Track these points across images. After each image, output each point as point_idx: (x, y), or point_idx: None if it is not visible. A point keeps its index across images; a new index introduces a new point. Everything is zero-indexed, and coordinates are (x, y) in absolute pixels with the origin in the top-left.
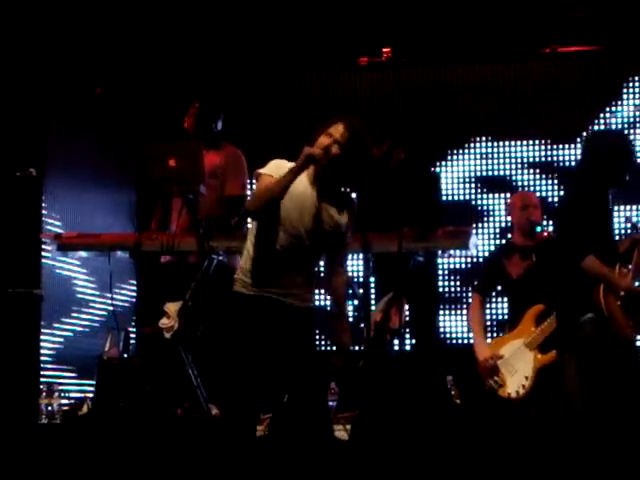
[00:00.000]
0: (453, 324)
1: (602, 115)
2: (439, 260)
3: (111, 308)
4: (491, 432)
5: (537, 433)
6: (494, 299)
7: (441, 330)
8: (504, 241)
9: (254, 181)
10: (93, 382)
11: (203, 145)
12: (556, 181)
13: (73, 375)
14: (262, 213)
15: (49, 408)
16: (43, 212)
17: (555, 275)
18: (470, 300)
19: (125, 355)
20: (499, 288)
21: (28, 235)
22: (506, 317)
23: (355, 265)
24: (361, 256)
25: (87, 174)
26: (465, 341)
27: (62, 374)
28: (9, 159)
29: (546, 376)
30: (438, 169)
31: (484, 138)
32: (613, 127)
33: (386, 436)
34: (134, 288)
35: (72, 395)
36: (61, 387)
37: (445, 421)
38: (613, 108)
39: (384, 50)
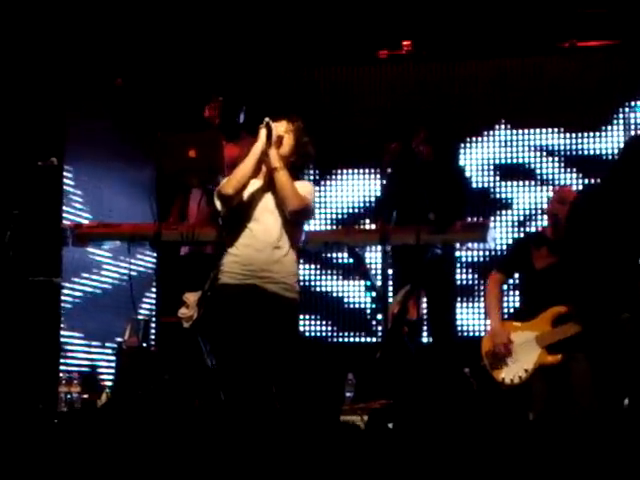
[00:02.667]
0: (470, 316)
1: (621, 110)
2: (457, 253)
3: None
4: (505, 425)
5: (546, 431)
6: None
7: (458, 322)
8: (536, 230)
9: None
10: (100, 350)
11: (224, 137)
12: (575, 173)
13: (80, 338)
14: (238, 194)
15: (68, 396)
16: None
17: (585, 275)
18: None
19: (144, 344)
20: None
21: (49, 224)
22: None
23: (373, 257)
24: (379, 248)
25: (108, 162)
26: (483, 333)
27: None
28: (30, 149)
29: (550, 376)
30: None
31: (502, 127)
32: (632, 122)
33: (403, 427)
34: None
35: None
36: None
37: (463, 412)
38: (632, 103)
39: (404, 43)
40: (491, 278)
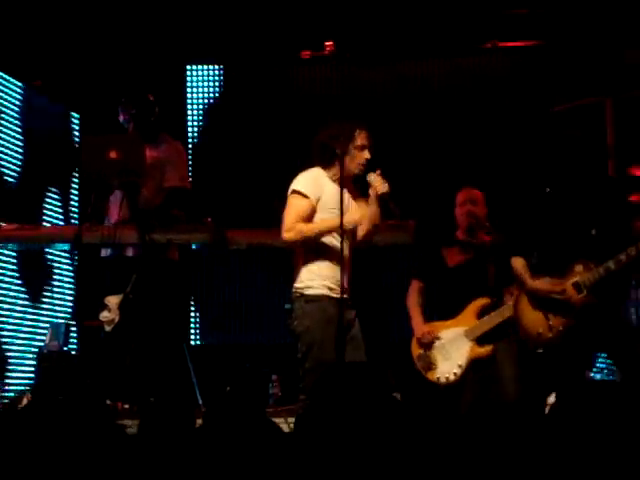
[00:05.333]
0: (394, 317)
1: (542, 110)
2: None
3: None
4: (429, 424)
5: (472, 423)
6: None
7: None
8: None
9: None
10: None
11: (143, 138)
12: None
13: None
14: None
15: None
16: None
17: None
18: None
19: (65, 348)
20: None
21: None
22: None
23: None
24: None
25: (29, 165)
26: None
27: None
28: None
29: (479, 367)
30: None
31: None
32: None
33: (329, 429)
34: None
35: None
36: None
37: (386, 414)
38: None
39: (327, 44)
40: (411, 287)
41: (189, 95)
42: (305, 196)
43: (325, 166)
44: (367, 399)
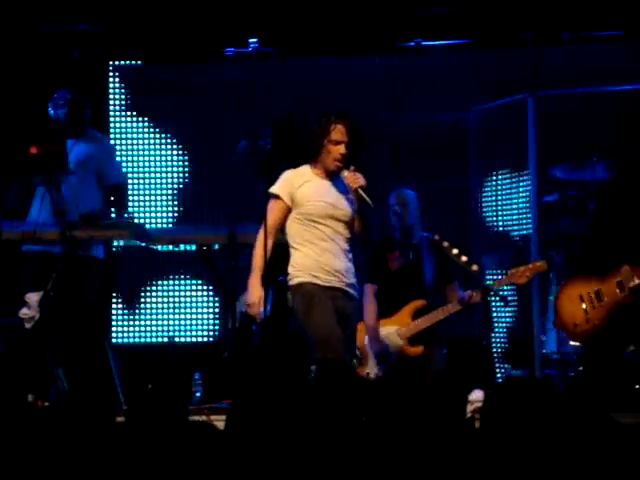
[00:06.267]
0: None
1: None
2: None
3: None
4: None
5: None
6: None
7: None
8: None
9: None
10: None
11: (72, 134)
12: None
13: None
14: None
15: None
16: None
17: None
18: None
19: None
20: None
21: None
22: None
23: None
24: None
25: None
26: None
27: None
28: None
29: (409, 366)
30: None
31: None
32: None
33: (257, 427)
34: None
35: None
36: None
37: (311, 408)
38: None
39: (250, 41)
40: (367, 291)
41: (111, 91)
42: (277, 197)
43: (311, 162)
44: (296, 393)
